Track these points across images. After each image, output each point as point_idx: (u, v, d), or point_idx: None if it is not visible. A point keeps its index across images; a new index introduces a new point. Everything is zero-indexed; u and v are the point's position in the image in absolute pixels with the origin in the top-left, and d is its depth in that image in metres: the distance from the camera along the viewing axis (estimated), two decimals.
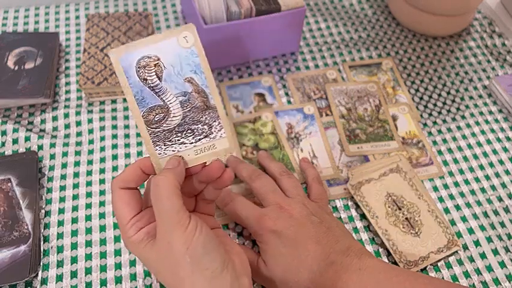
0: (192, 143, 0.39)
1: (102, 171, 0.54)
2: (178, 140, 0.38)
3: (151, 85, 0.37)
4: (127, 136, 0.57)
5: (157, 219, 0.36)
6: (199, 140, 0.39)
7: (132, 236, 0.37)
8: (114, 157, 0.55)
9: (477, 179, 0.56)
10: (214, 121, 0.39)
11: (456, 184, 0.55)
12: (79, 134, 0.57)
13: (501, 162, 0.57)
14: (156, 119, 0.38)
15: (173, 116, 0.38)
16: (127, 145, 0.57)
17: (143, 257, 0.37)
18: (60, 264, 0.48)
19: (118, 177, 0.38)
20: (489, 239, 0.51)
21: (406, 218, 0.51)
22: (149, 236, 0.37)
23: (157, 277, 0.39)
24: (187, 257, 0.34)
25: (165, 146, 0.38)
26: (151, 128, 0.38)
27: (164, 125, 0.38)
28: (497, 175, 0.56)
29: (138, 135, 0.57)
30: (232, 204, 0.47)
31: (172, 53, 0.37)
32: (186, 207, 0.36)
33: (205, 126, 0.38)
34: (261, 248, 0.44)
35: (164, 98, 0.37)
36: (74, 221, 0.50)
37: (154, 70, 0.37)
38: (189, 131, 0.38)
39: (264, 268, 0.43)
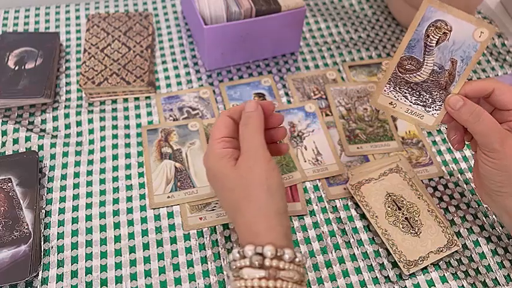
0: (411, 102, 0.45)
1: (102, 171, 0.54)
2: (405, 92, 0.45)
3: (428, 43, 0.42)
4: (127, 136, 0.57)
5: (245, 145, 0.41)
6: (417, 104, 0.45)
7: (218, 149, 0.42)
8: (115, 157, 0.56)
9: None
10: (439, 101, 0.44)
11: (456, 184, 0.55)
12: (79, 134, 0.57)
13: None
14: (406, 67, 0.44)
15: (419, 75, 0.43)
16: (127, 145, 0.57)
17: (220, 170, 0.41)
18: (60, 264, 0.48)
19: (228, 109, 0.44)
20: (488, 239, 0.51)
21: (406, 218, 0.51)
22: (232, 157, 0.41)
23: (222, 192, 0.42)
24: (265, 186, 0.39)
25: (393, 89, 0.45)
26: (398, 71, 0.44)
27: (407, 76, 0.44)
28: None
29: (138, 135, 0.57)
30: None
31: (461, 34, 0.41)
32: None
33: (430, 99, 0.44)
34: (487, 158, 0.43)
35: (426, 58, 0.43)
36: (75, 220, 0.51)
37: (439, 35, 0.42)
38: (417, 92, 0.44)
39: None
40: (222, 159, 0.41)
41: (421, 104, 0.45)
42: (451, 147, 0.58)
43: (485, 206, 0.54)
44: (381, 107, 0.46)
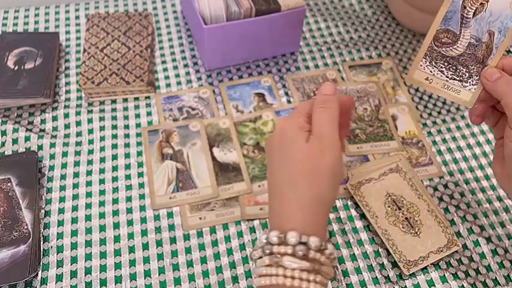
0: (447, 77, 0.43)
1: (102, 171, 0.54)
2: (441, 67, 0.43)
3: (465, 15, 0.41)
4: (127, 136, 0.57)
5: (321, 129, 0.39)
6: (454, 79, 0.43)
7: (302, 120, 0.40)
8: (114, 157, 0.55)
9: (477, 179, 0.56)
10: (476, 76, 0.42)
11: (456, 184, 0.55)
12: (79, 134, 0.57)
13: None
14: (443, 41, 0.43)
15: (455, 48, 0.42)
16: (127, 145, 0.57)
17: (294, 138, 0.39)
18: (60, 264, 0.48)
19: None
20: (488, 240, 0.51)
21: (406, 218, 0.51)
22: (308, 132, 0.39)
23: (283, 161, 0.39)
24: (331, 173, 0.37)
25: (429, 63, 0.44)
26: (434, 44, 0.43)
27: (443, 49, 0.43)
28: None
29: (137, 135, 0.57)
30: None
31: (499, 4, 0.40)
32: None
33: (466, 73, 0.42)
34: None
35: (463, 31, 0.42)
36: (74, 220, 0.50)
37: (476, 6, 0.41)
38: (454, 67, 0.43)
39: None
40: (301, 129, 0.39)
41: (458, 78, 0.43)
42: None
43: (485, 206, 0.54)
44: (417, 82, 0.45)
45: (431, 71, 0.44)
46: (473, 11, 0.41)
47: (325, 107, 0.39)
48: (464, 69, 0.43)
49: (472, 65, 0.42)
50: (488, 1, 0.40)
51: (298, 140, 0.38)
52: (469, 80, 0.43)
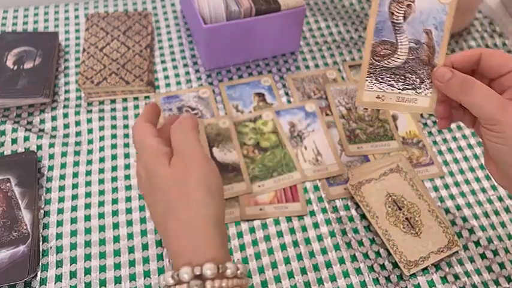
0: (399, 89, 0.41)
1: (101, 171, 0.54)
2: (389, 81, 0.41)
3: (395, 21, 0.39)
4: (126, 136, 0.57)
5: (179, 144, 0.39)
6: (406, 89, 0.41)
7: (156, 145, 0.38)
8: (114, 157, 0.55)
9: (477, 179, 0.56)
10: (428, 78, 0.40)
11: (457, 184, 0.55)
12: (78, 133, 0.57)
13: None
14: (381, 53, 0.40)
15: (397, 57, 0.40)
16: (126, 145, 0.56)
17: (155, 168, 0.38)
18: (59, 264, 0.47)
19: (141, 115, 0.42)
20: (489, 240, 0.51)
21: (407, 218, 0.51)
22: (168, 155, 0.38)
23: (154, 194, 0.38)
24: (204, 185, 0.36)
25: (375, 80, 0.41)
26: (374, 60, 0.40)
27: (385, 62, 0.40)
28: None
29: None
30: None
31: (426, 1, 0.38)
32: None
33: (417, 79, 0.40)
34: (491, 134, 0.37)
35: (399, 38, 0.40)
36: (73, 221, 0.50)
37: (404, 9, 0.39)
38: (402, 77, 0.40)
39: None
40: (159, 156, 0.38)
41: (410, 87, 0.40)
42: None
43: (486, 206, 0.53)
44: (369, 104, 0.42)
45: (380, 88, 0.41)
46: (402, 14, 0.39)
47: (180, 124, 0.40)
48: (413, 76, 0.40)
49: (420, 70, 0.40)
50: (414, 1, 0.38)
51: (159, 168, 0.37)
52: (422, 85, 0.40)
